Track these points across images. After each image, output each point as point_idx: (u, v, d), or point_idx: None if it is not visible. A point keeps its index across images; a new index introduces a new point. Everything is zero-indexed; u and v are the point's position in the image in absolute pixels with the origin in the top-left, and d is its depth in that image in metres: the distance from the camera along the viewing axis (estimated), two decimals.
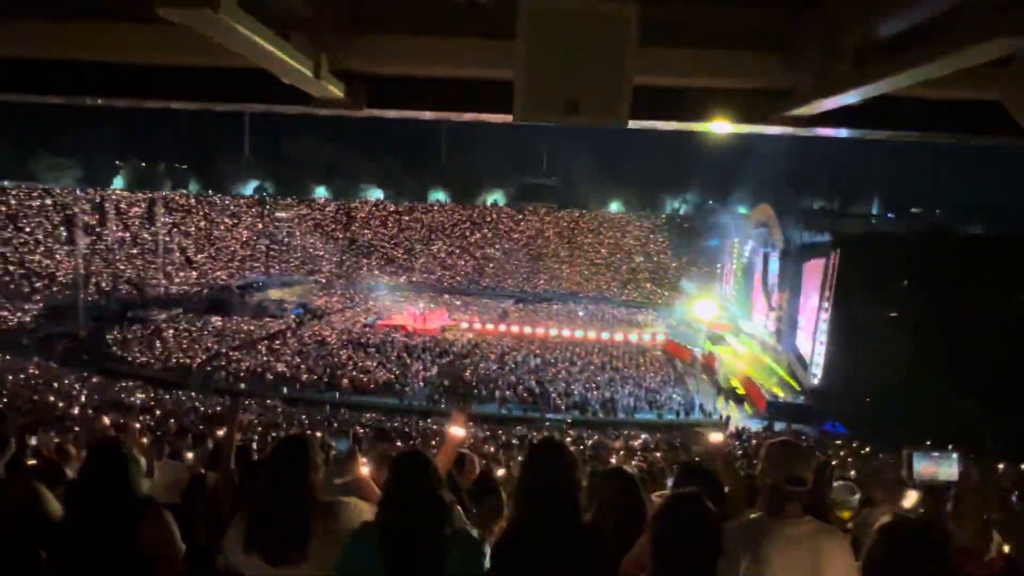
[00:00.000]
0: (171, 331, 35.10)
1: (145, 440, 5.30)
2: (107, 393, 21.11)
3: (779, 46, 2.80)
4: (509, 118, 2.51)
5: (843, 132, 3.41)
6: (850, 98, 2.62)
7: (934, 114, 3.17)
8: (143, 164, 58.95)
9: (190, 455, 6.09)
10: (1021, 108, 2.15)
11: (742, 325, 37.74)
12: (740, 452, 15.30)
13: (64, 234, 45.42)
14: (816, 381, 26.42)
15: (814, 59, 2.69)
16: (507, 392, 26.77)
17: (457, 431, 2.89)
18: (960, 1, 1.86)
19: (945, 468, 1.98)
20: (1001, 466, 10.85)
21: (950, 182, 66.11)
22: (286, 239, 56.96)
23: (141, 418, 12.19)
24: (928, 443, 2.27)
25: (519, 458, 10.29)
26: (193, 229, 53.45)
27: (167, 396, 22.45)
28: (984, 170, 63.64)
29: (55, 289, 40.86)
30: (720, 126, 3.32)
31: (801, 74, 2.80)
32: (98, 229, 47.02)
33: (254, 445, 7.75)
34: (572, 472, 2.12)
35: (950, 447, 2.18)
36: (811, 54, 2.70)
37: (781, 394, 27.23)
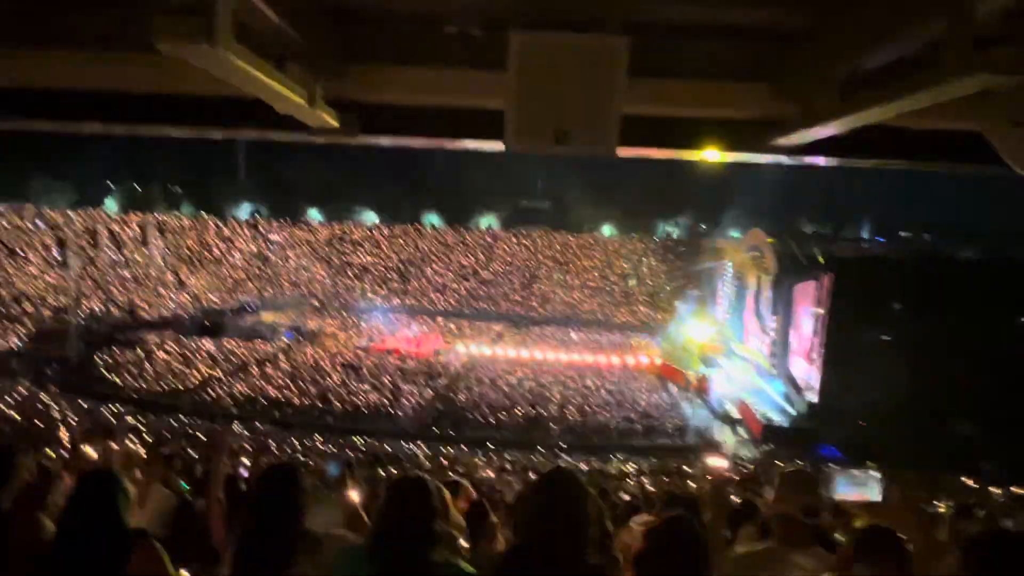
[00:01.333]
0: (162, 354, 34.81)
1: (140, 467, 5.20)
2: (96, 417, 20.87)
3: (768, 78, 2.86)
4: (500, 146, 2.54)
5: (830, 160, 3.47)
6: (836, 128, 2.67)
7: (918, 144, 3.23)
8: (136, 186, 58.96)
9: (180, 481, 6.02)
10: (1001, 139, 2.19)
11: (735, 348, 37.76)
12: (736, 478, 15.23)
13: (56, 257, 45.26)
14: (810, 404, 26.38)
15: (802, 91, 2.75)
16: (501, 416, 26.61)
17: None
18: (942, 38, 1.91)
19: (866, 490, 1.95)
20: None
21: (937, 207, 66.91)
22: (280, 262, 56.90)
23: (132, 442, 12.03)
24: (871, 465, 2.23)
25: (510, 481, 10.19)
26: (186, 251, 53.34)
27: (157, 420, 22.20)
28: (969, 196, 64.56)
29: (46, 312, 40.57)
30: (710, 155, 3.37)
31: (789, 105, 2.85)
32: (90, 252, 46.87)
33: (243, 471, 7.67)
34: (583, 505, 2.03)
35: (869, 464, 2.17)
36: (799, 86, 2.76)
37: (776, 418, 27.15)
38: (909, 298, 26.82)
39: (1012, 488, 14.58)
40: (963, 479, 17.40)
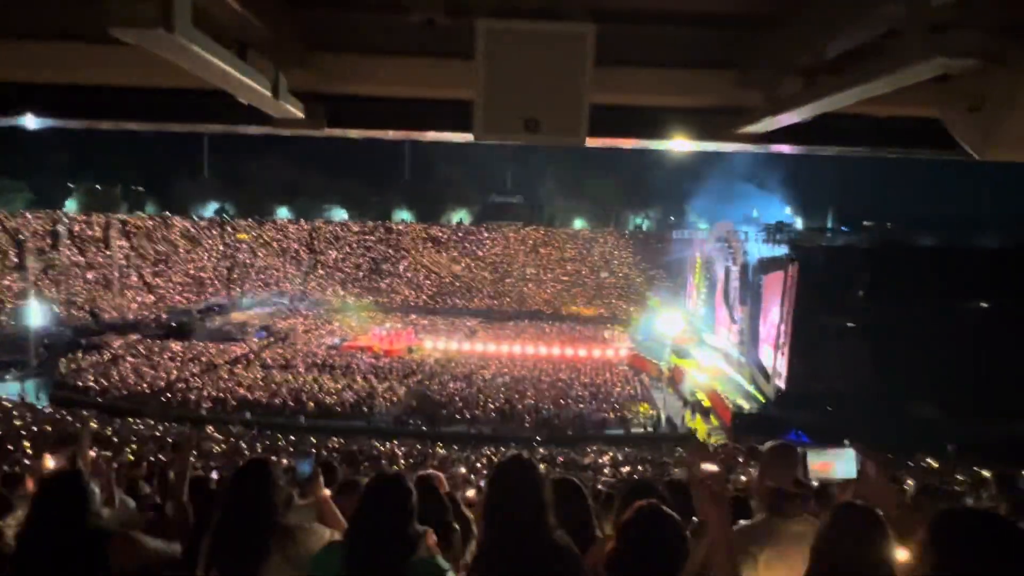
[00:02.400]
0: (128, 357, 34.03)
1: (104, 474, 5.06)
2: (60, 424, 20.30)
3: (732, 65, 2.89)
4: (470, 137, 2.53)
5: (794, 148, 3.53)
6: (799, 115, 2.71)
7: (879, 130, 3.30)
8: (98, 186, 57.37)
9: (147, 487, 5.88)
10: (956, 124, 2.25)
11: (706, 338, 38.31)
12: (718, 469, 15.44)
13: (15, 259, 43.88)
14: (778, 392, 26.89)
15: (765, 78, 2.79)
16: (476, 411, 26.60)
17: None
18: (900, 23, 1.95)
19: (842, 465, 2.00)
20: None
21: (899, 196, 68.97)
22: (248, 261, 55.99)
23: (95, 449, 11.73)
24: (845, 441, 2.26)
25: (485, 476, 10.21)
26: (151, 252, 52.16)
27: (123, 425, 21.70)
28: (929, 185, 66.73)
29: (3, 317, 39.35)
30: (677, 143, 3.40)
31: (754, 92, 2.89)
32: (50, 253, 45.52)
33: (213, 475, 7.54)
34: (539, 490, 2.08)
35: (846, 442, 2.22)
36: (762, 73, 2.79)
37: (746, 405, 27.62)
38: (872, 285, 27.42)
39: (974, 468, 15.05)
40: (927, 460, 17.91)
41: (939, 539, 1.43)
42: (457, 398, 28.13)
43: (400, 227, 60.84)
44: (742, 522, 2.30)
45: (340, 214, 63.22)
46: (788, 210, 54.02)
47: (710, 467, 2.41)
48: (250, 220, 58.76)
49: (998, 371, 23.70)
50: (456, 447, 20.74)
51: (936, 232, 36.11)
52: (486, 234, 59.93)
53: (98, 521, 2.17)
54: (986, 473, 12.52)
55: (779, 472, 2.26)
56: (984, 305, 27.44)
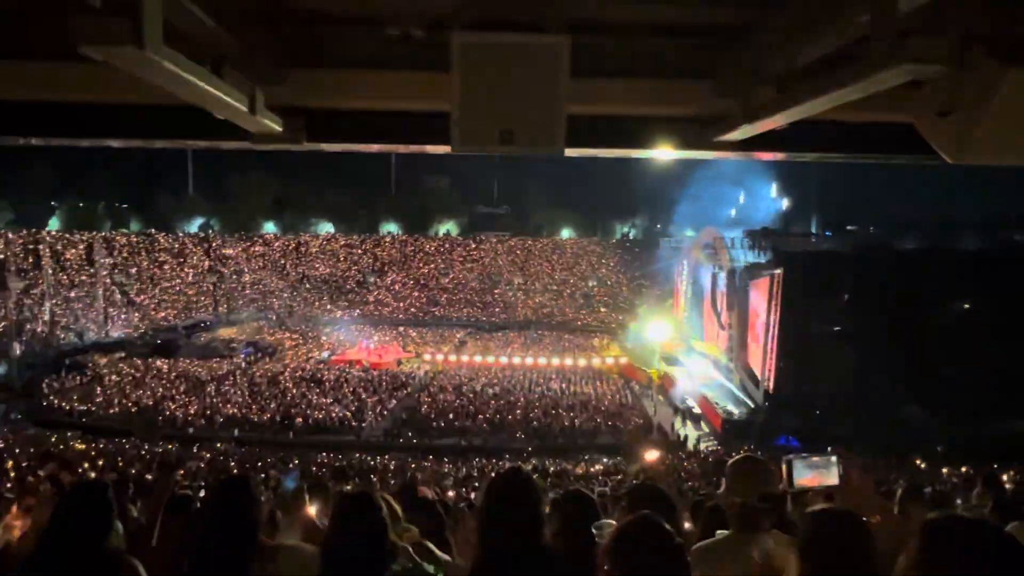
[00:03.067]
0: (113, 376, 33.61)
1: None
2: (44, 445, 19.96)
3: (708, 75, 2.92)
4: (448, 149, 2.53)
5: (773, 155, 3.56)
6: (777, 122, 2.74)
7: (855, 136, 3.34)
8: (80, 204, 56.77)
9: (132, 508, 5.79)
10: (930, 129, 2.28)
11: (695, 345, 38.46)
12: (699, 471, 15.46)
13: None
14: (767, 396, 27.01)
15: (741, 87, 2.81)
16: (466, 423, 26.49)
17: None
18: (867, 31, 1.97)
19: (826, 474, 1.99)
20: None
21: (880, 200, 69.95)
22: (234, 276, 55.59)
23: (80, 471, 11.55)
24: (808, 452, 2.25)
25: (479, 488, 10.14)
26: (135, 269, 51.66)
27: (109, 445, 21.38)
28: (909, 189, 67.87)
29: None
30: (656, 152, 3.42)
31: (730, 101, 2.91)
32: (32, 272, 44.93)
33: (202, 493, 7.44)
34: (536, 502, 2.06)
35: (829, 450, 2.22)
36: (738, 82, 2.82)
37: (735, 411, 27.72)
38: (856, 289, 27.67)
39: (962, 468, 15.18)
40: (915, 461, 18.04)
41: (931, 547, 1.43)
42: (447, 410, 28.00)
43: (388, 240, 60.72)
44: (707, 541, 2.27)
45: (327, 228, 63.00)
46: (781, 204, 54.25)
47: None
48: (237, 235, 58.39)
49: (982, 371, 23.95)
50: (447, 459, 20.63)
51: (918, 235, 36.51)
52: (473, 245, 59.94)
53: (115, 540, 2.15)
54: (967, 471, 12.61)
55: (745, 486, 2.22)
56: (966, 306, 27.77)
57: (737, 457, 2.48)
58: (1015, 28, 2.05)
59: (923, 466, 17.29)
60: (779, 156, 3.62)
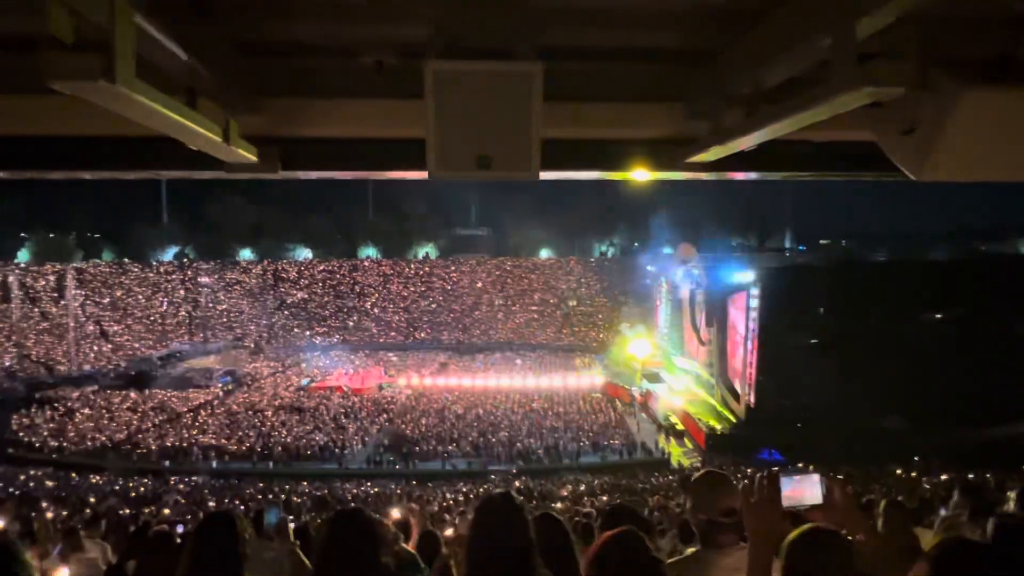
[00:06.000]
0: (85, 410, 32.79)
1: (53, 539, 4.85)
2: (11, 484, 19.37)
3: (679, 98, 2.98)
4: (424, 175, 2.54)
5: (745, 174, 3.63)
6: (746, 143, 2.80)
7: (823, 155, 3.43)
8: (51, 235, 55.80)
9: (106, 545, 5.64)
10: (892, 147, 2.35)
11: (676, 361, 38.63)
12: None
13: None
14: (748, 411, 27.15)
15: (711, 109, 2.88)
16: (450, 447, 26.24)
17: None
18: (831, 55, 2.04)
19: (809, 491, 2.01)
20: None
21: (851, 216, 71.70)
22: (210, 305, 54.84)
23: (51, 511, 11.20)
24: (792, 466, 2.26)
25: (463, 512, 10.04)
26: (108, 300, 50.74)
27: (81, 481, 20.81)
28: (877, 204, 69.66)
29: None
30: (630, 174, 3.47)
31: (701, 123, 2.98)
32: (2, 305, 43.94)
33: (179, 528, 7.27)
34: (525, 527, 2.04)
35: (811, 468, 2.23)
36: (708, 105, 2.88)
37: (718, 426, 27.80)
38: (832, 302, 28.12)
39: (942, 476, 15.35)
40: (896, 471, 18.20)
41: (940, 572, 1.43)
42: (430, 434, 27.73)
43: (367, 264, 60.44)
44: (675, 558, 2.27)
45: (304, 253, 62.57)
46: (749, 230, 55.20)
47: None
48: (212, 263, 57.70)
49: (958, 380, 24.36)
50: (431, 484, 20.39)
51: (889, 247, 37.33)
52: (453, 268, 59.90)
53: None
54: (947, 479, 12.74)
55: (709, 502, 2.23)
56: (938, 316, 28.32)
57: (699, 472, 2.48)
58: (972, 50, 2.14)
59: (903, 476, 17.46)
60: (750, 175, 3.69)
